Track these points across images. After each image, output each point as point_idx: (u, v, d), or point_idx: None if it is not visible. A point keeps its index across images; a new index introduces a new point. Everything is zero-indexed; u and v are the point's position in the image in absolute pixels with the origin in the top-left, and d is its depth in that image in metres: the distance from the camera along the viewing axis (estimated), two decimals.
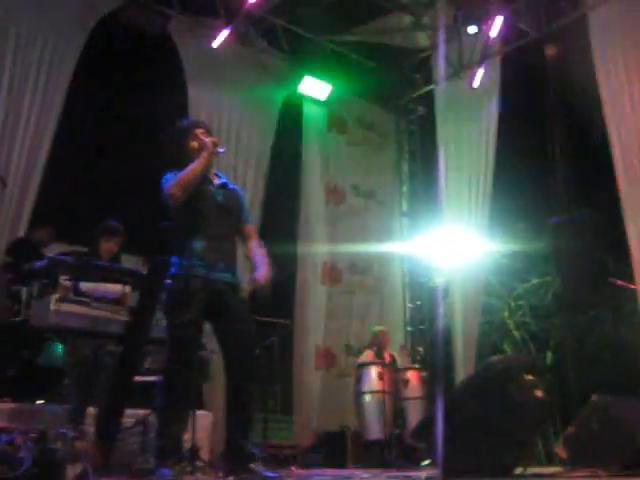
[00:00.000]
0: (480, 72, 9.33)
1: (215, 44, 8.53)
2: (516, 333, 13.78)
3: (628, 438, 4.63)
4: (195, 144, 4.21)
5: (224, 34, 8.49)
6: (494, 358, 3.79)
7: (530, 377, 3.67)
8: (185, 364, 3.88)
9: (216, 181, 4.30)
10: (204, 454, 5.53)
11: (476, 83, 9.39)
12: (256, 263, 4.21)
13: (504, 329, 13.90)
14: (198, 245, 4.02)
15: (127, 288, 4.90)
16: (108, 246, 5.45)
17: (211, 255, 4.05)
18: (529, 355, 12.77)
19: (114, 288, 5.05)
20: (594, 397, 4.95)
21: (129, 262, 6.19)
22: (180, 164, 4.14)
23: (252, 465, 3.87)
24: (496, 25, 9.01)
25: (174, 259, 4.06)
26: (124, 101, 9.03)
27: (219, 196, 4.21)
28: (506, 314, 13.80)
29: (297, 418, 9.34)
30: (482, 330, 13.16)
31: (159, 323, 4.60)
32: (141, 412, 5.28)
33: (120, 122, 8.91)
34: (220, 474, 3.99)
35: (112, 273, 4.72)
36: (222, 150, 4.32)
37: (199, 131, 4.30)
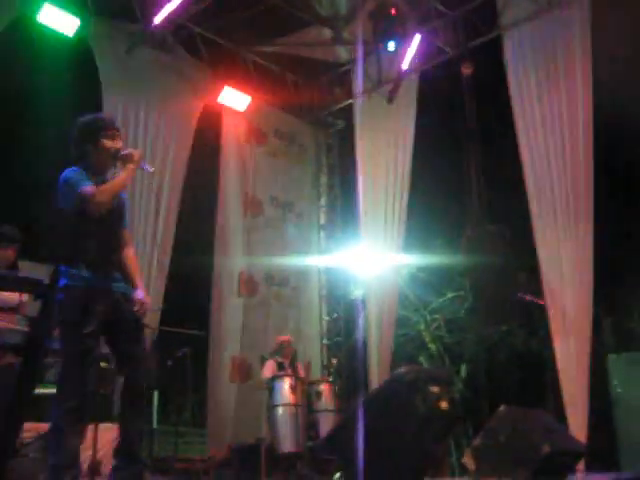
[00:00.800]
0: (398, 88, 9.48)
1: (130, 49, 8.37)
2: (432, 346, 14.01)
3: (533, 447, 4.72)
4: (109, 144, 3.99)
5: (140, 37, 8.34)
6: (402, 369, 3.81)
7: (436, 389, 3.69)
8: (82, 377, 3.74)
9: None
10: (107, 468, 5.38)
11: (394, 99, 9.54)
12: (136, 279, 4.08)
13: (420, 341, 14.12)
14: (93, 253, 3.86)
15: (25, 297, 4.72)
16: (5, 253, 5.21)
17: (107, 264, 3.92)
18: (439, 367, 12.97)
19: (11, 297, 4.86)
20: (501, 408, 5.03)
21: (28, 269, 5.96)
22: (85, 158, 3.97)
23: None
24: (414, 43, 9.21)
25: (65, 268, 3.83)
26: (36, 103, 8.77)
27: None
28: (422, 327, 14.03)
29: (211, 431, 9.21)
30: (399, 342, 13.36)
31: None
32: (43, 426, 5.09)
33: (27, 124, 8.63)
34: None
35: (7, 282, 4.48)
36: (150, 170, 4.24)
37: (116, 133, 4.10)
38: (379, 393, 3.88)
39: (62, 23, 7.88)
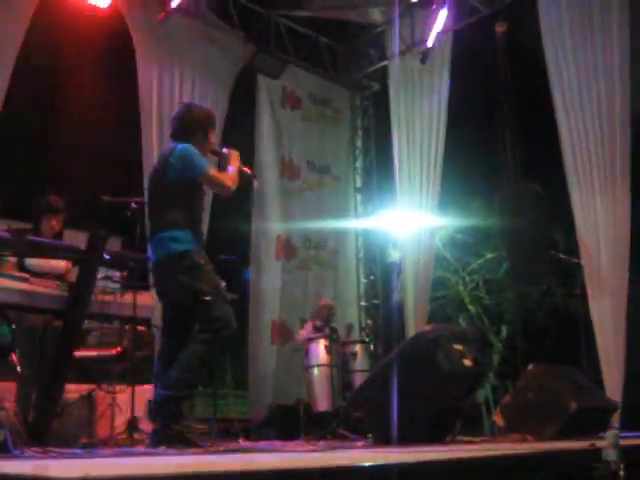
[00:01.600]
0: (432, 48, 9.40)
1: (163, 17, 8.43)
2: (471, 307, 14.03)
3: (561, 405, 4.79)
4: (212, 138, 4.56)
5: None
6: (426, 327, 3.88)
7: (459, 346, 3.76)
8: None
9: None
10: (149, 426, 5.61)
11: (428, 59, 9.47)
12: None
13: (459, 303, 14.14)
14: (199, 221, 4.42)
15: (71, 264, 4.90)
16: (50, 223, 5.40)
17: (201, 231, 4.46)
18: (470, 327, 12.97)
19: (59, 264, 5.04)
20: (530, 367, 5.10)
21: (73, 238, 6.15)
22: (190, 141, 4.39)
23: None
24: (447, 1, 9.10)
25: (181, 234, 4.23)
26: (70, 74, 8.90)
27: None
28: (461, 288, 14.03)
29: (252, 392, 9.42)
30: (438, 304, 13.44)
31: (99, 299, 4.61)
32: (84, 387, 5.32)
33: (63, 95, 8.78)
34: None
35: (50, 249, 4.68)
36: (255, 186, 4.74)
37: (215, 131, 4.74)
38: (403, 351, 3.97)
39: None
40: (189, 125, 4.48)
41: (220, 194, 4.45)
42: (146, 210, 4.93)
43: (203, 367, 4.19)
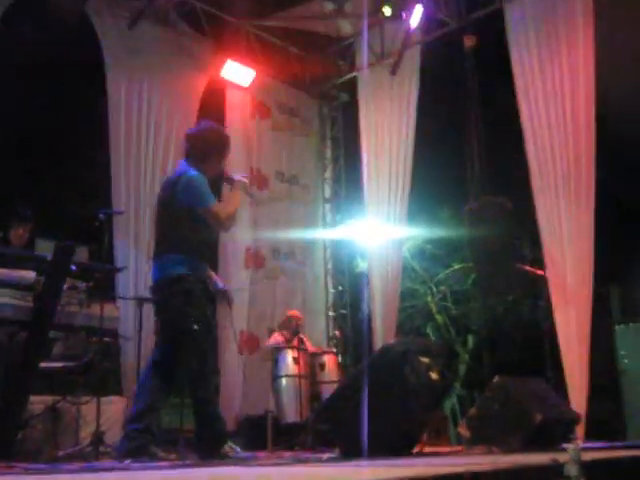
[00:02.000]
0: (400, 60, 9.49)
1: (132, 25, 8.39)
2: (438, 317, 14.11)
3: (526, 416, 4.84)
4: (224, 162, 4.59)
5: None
6: (392, 341, 3.91)
7: (426, 360, 3.80)
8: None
9: None
10: (115, 438, 5.56)
11: (396, 71, 9.55)
12: None
13: (427, 313, 14.22)
14: (204, 247, 4.50)
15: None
16: (18, 232, 5.37)
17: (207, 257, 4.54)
18: (435, 340, 13.05)
19: (29, 274, 4.98)
20: (495, 378, 5.14)
21: (45, 248, 6.09)
22: (204, 163, 4.43)
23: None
24: (416, 14, 9.18)
25: (183, 258, 4.31)
26: (41, 83, 8.83)
27: None
28: (429, 299, 14.11)
29: (220, 403, 9.34)
30: (406, 314, 13.50)
31: (65, 309, 4.57)
32: (49, 399, 5.25)
33: (36, 106, 8.71)
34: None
35: (16, 259, 4.64)
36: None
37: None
38: (371, 364, 3.99)
39: None
40: (204, 149, 4.48)
41: (216, 228, 4.54)
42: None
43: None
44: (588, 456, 2.72)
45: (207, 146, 4.47)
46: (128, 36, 8.49)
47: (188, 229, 4.32)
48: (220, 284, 4.83)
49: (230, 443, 4.72)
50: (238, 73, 9.73)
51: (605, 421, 8.19)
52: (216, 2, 9.36)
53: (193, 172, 4.37)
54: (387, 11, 8.60)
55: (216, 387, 4.35)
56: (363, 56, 10.08)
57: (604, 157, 7.78)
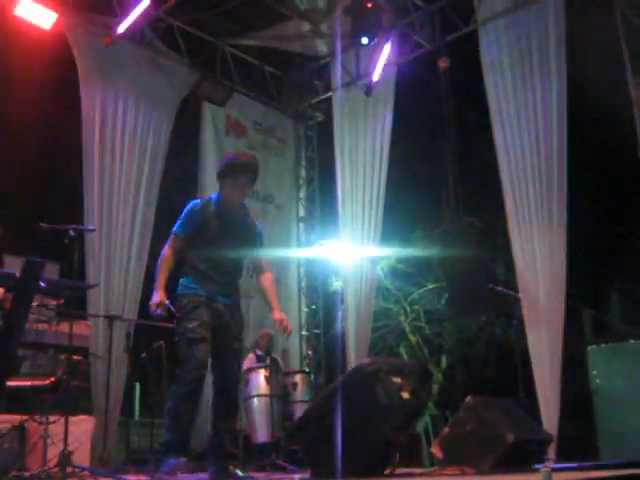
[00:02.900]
0: (376, 81, 9.56)
1: (108, 43, 8.36)
2: (412, 337, 14.12)
3: (498, 437, 4.83)
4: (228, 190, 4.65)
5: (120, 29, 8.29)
6: (364, 360, 3.89)
7: (398, 379, 3.78)
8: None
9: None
10: (84, 458, 5.48)
11: (372, 92, 9.61)
12: (272, 301, 4.91)
13: (400, 333, 14.22)
14: (201, 271, 4.60)
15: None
16: None
17: (211, 282, 4.60)
18: (407, 360, 13.06)
19: None
20: (468, 399, 5.14)
21: (13, 264, 6.01)
22: (222, 186, 4.67)
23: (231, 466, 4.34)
24: (391, 37, 9.27)
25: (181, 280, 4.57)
26: (9, 96, 8.72)
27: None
28: (402, 318, 14.12)
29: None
30: (379, 334, 13.49)
31: (34, 327, 4.51)
32: (16, 417, 5.16)
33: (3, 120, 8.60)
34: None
35: None
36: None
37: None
38: (343, 384, 3.96)
39: (38, 16, 7.85)
40: (218, 173, 4.69)
41: None
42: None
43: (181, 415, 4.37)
44: (560, 478, 2.72)
45: (219, 170, 4.69)
46: (103, 54, 8.46)
47: (189, 253, 4.60)
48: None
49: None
50: (213, 91, 9.71)
51: (577, 441, 8.22)
52: (193, 21, 9.37)
53: (210, 195, 4.74)
54: (364, 40, 8.62)
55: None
56: (337, 76, 10.14)
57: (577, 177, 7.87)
